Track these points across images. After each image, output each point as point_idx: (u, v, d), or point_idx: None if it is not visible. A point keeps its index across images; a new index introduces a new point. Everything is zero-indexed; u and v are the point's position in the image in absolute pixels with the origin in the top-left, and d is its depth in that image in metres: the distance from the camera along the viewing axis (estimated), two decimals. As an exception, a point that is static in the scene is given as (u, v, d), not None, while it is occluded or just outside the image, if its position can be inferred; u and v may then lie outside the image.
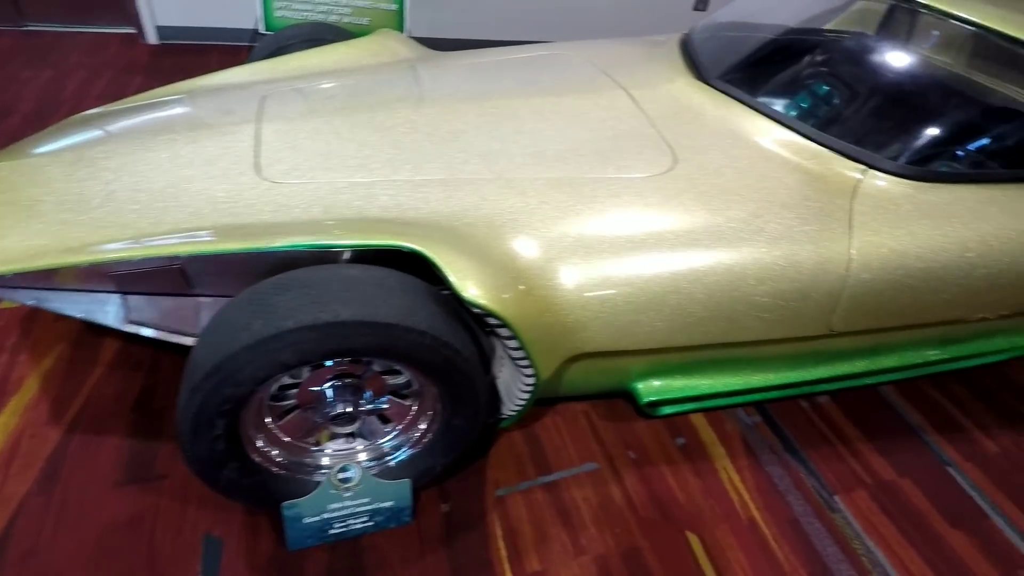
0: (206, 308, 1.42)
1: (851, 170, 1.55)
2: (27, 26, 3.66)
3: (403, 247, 1.19)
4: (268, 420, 1.29)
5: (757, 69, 1.89)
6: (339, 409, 1.30)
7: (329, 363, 1.26)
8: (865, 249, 1.45)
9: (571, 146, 1.55)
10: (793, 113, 1.89)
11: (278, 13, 3.39)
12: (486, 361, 1.46)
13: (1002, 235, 1.54)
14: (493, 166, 1.47)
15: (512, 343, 1.29)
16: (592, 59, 1.99)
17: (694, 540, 1.46)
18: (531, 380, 1.35)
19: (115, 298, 1.41)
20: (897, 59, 1.99)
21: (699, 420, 1.76)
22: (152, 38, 3.68)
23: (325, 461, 1.38)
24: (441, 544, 1.38)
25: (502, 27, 4.14)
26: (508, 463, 1.57)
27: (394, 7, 3.48)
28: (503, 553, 1.38)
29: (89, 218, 1.33)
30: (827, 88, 1.99)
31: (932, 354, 1.78)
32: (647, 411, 1.61)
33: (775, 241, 1.41)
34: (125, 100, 1.82)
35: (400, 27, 3.54)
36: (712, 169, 1.52)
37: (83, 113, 1.74)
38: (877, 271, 1.45)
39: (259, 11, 3.37)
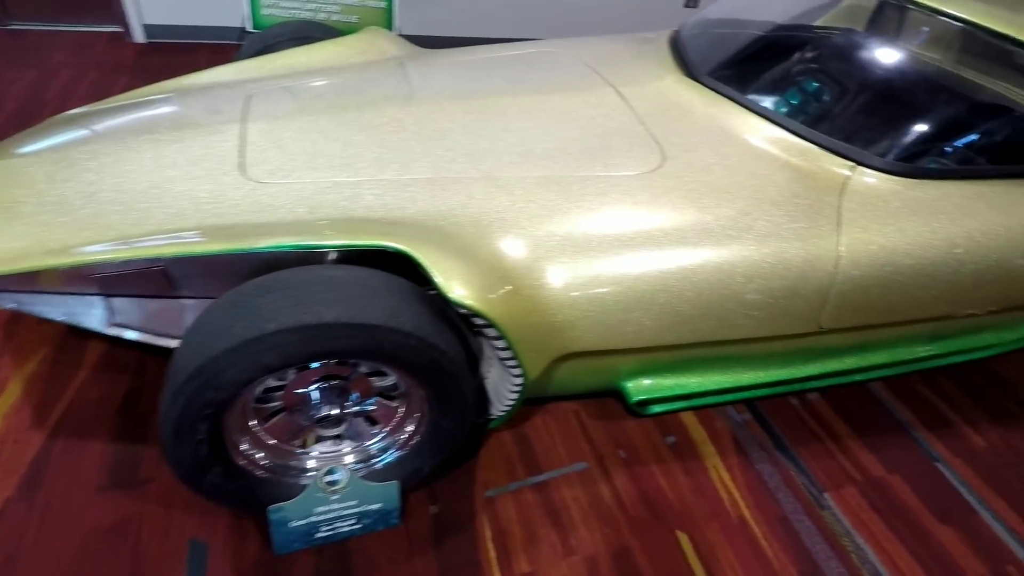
0: (190, 310, 1.40)
1: (840, 167, 1.55)
2: (11, 25, 3.62)
3: (388, 247, 1.18)
4: (253, 423, 1.27)
5: (746, 66, 1.89)
6: (325, 411, 1.29)
7: (315, 365, 1.24)
8: (854, 246, 1.44)
9: (559, 144, 1.54)
10: (782, 110, 1.89)
11: (266, 11, 3.36)
12: (474, 362, 1.45)
13: (990, 231, 1.54)
14: (480, 165, 1.46)
15: (499, 343, 1.28)
16: (581, 56, 1.98)
17: (684, 539, 1.46)
18: (519, 380, 1.34)
19: (98, 301, 1.39)
20: (886, 56, 1.99)
21: (689, 418, 1.76)
22: (139, 37, 3.65)
23: (311, 464, 1.36)
24: (430, 546, 1.37)
25: (492, 25, 4.12)
26: (498, 463, 1.57)
27: (383, 5, 3.46)
28: (492, 554, 1.37)
29: (71, 219, 1.31)
30: (816, 85, 1.99)
31: (921, 350, 1.78)
32: (637, 410, 1.61)
33: (764, 239, 1.40)
34: (109, 100, 1.80)
35: (389, 25, 3.52)
36: (701, 167, 1.52)
37: (67, 113, 1.72)
38: (866, 268, 1.45)
39: (246, 9, 3.35)
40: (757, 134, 1.62)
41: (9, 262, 1.21)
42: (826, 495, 1.61)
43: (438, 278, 1.18)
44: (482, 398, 1.48)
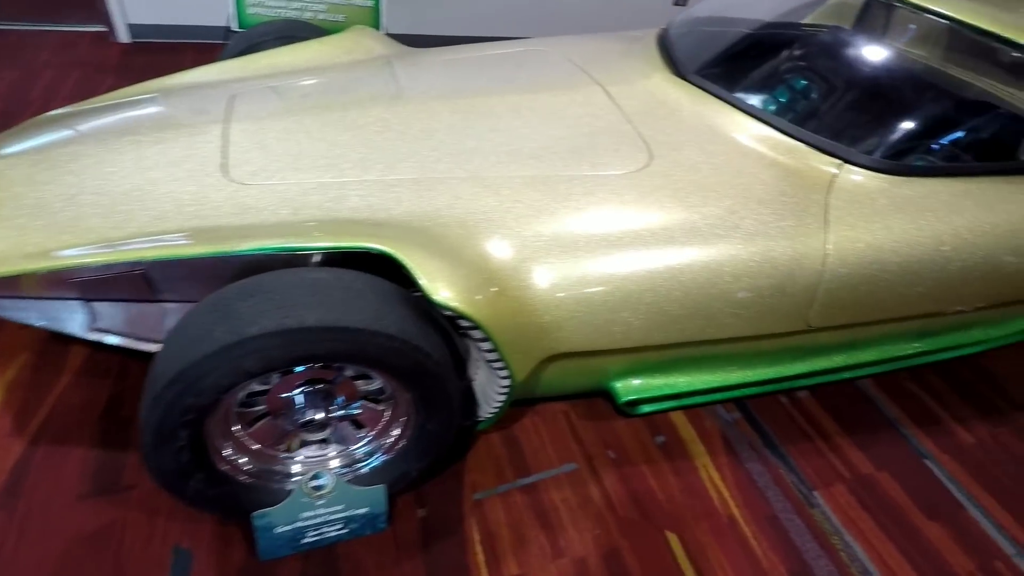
0: (172, 314, 1.38)
1: (827, 165, 1.54)
2: (-7, 25, 3.56)
3: (372, 249, 1.17)
4: (236, 428, 1.26)
5: (734, 64, 1.88)
6: (310, 416, 1.27)
7: (299, 369, 1.23)
8: (841, 244, 1.44)
9: (546, 144, 1.53)
10: (770, 108, 1.89)
11: (251, 10, 3.33)
12: (460, 364, 1.44)
13: (976, 228, 1.55)
14: (467, 165, 1.44)
15: (486, 345, 1.26)
16: (569, 55, 1.97)
17: (673, 539, 1.45)
18: (506, 382, 1.33)
19: (79, 305, 1.37)
20: (873, 54, 1.99)
21: (679, 418, 1.75)
22: (123, 36, 3.61)
23: (296, 469, 1.35)
24: (418, 550, 1.36)
25: (480, 23, 4.10)
26: (486, 466, 1.56)
27: (370, 4, 3.44)
28: (481, 558, 1.36)
29: (50, 222, 1.28)
30: (804, 83, 1.98)
31: (909, 347, 1.79)
32: (626, 410, 1.60)
33: (751, 237, 1.40)
34: (92, 100, 1.78)
35: (376, 24, 3.50)
36: (688, 165, 1.51)
37: (48, 113, 1.69)
38: (853, 266, 1.45)
39: (231, 8, 3.31)
40: (744, 132, 1.61)
41: (-14, 267, 1.18)
42: (815, 493, 1.60)
43: (423, 280, 1.16)
44: (469, 400, 1.47)
